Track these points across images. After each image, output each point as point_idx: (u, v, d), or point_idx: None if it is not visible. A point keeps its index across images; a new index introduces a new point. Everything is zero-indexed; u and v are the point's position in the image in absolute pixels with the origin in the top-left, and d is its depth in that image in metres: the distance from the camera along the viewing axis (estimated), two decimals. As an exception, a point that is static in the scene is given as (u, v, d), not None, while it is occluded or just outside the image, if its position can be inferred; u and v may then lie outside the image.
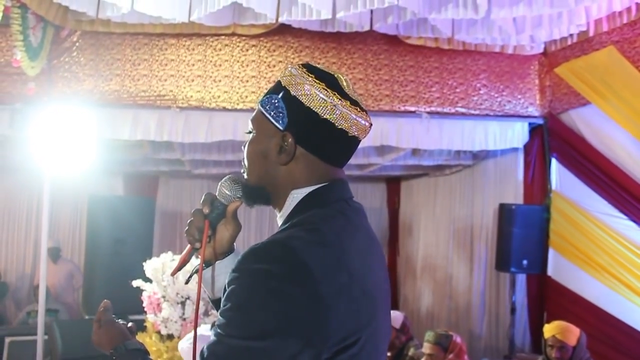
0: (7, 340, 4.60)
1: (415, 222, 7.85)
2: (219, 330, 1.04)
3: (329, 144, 1.19)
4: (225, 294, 1.06)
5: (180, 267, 1.31)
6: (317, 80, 1.18)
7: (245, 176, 1.26)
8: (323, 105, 1.16)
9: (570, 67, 4.87)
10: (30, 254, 7.13)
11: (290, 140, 1.17)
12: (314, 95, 1.16)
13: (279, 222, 1.22)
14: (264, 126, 1.21)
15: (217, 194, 1.29)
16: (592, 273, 4.66)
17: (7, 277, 6.93)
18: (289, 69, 1.21)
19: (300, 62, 1.24)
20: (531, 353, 5.10)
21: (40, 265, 4.11)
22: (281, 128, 1.18)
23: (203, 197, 1.29)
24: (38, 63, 4.37)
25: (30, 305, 6.18)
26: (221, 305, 1.07)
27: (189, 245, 1.28)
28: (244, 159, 1.27)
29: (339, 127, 1.17)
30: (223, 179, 1.29)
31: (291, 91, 1.17)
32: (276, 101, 1.19)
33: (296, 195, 1.19)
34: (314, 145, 1.19)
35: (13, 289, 6.92)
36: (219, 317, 1.06)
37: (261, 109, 1.21)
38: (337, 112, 1.17)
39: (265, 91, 1.25)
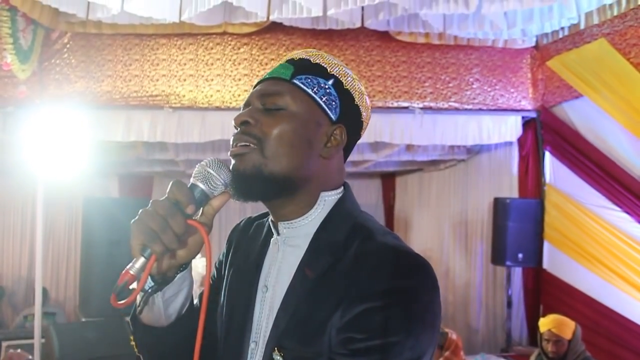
0: (4, 344, 4.59)
1: (411, 218, 7.86)
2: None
3: (354, 144, 1.12)
4: (369, 316, 0.90)
5: (137, 293, 0.95)
6: (358, 79, 1.11)
7: (261, 159, 0.99)
8: (366, 108, 1.11)
9: (562, 60, 4.88)
10: (26, 258, 7.11)
11: (344, 135, 1.06)
12: (364, 94, 1.09)
13: (306, 224, 1.05)
14: (309, 108, 1.03)
15: (197, 179, 0.98)
16: (587, 265, 4.67)
17: (3, 281, 6.91)
18: (327, 56, 1.08)
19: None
20: (528, 346, 5.12)
21: (36, 268, 4.10)
22: (333, 118, 1.05)
23: (173, 185, 0.96)
24: (29, 66, 4.35)
25: (27, 308, 6.16)
26: (363, 329, 0.90)
27: (141, 258, 0.91)
28: (265, 136, 1.00)
29: (362, 131, 1.12)
30: (206, 160, 1.00)
31: (344, 83, 1.06)
32: (328, 87, 1.04)
33: (328, 198, 1.06)
34: (348, 144, 1.10)
35: (9, 292, 6.90)
36: (368, 344, 0.89)
37: (305, 88, 1.03)
38: (369, 117, 1.12)
39: (288, 68, 1.06)
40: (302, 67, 1.05)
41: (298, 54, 1.09)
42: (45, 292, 5.96)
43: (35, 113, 4.01)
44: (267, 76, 1.08)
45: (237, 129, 1.05)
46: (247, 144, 1.01)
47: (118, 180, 7.44)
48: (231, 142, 1.04)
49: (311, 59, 1.07)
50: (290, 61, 1.08)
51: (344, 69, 1.08)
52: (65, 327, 4.64)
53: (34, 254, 6.58)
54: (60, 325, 4.90)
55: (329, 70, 1.06)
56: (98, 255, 4.72)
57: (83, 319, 4.85)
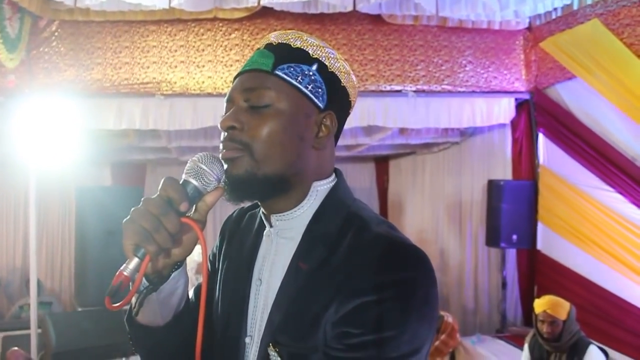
0: (0, 335, 4.59)
1: (405, 201, 7.87)
2: (380, 355, 0.87)
3: (344, 126, 1.08)
4: (365, 310, 0.88)
5: (132, 295, 0.92)
6: (342, 58, 1.05)
7: (252, 163, 0.97)
8: (353, 87, 1.06)
9: (555, 41, 4.86)
10: (20, 248, 7.08)
11: (334, 122, 1.03)
12: (349, 73, 1.04)
13: (299, 215, 1.03)
14: (296, 101, 0.99)
15: (189, 175, 0.95)
16: (581, 246, 4.70)
17: (-3, 272, 6.90)
18: (307, 38, 1.02)
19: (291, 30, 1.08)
20: (523, 326, 5.17)
21: (30, 258, 4.09)
22: (321, 106, 1.01)
23: (165, 183, 0.92)
24: (17, 55, 4.29)
25: (23, 299, 6.15)
26: (359, 323, 0.88)
27: (135, 259, 0.88)
28: (254, 140, 0.97)
29: (350, 111, 1.09)
30: (198, 156, 0.96)
31: (328, 66, 1.01)
32: (312, 74, 0.99)
33: (320, 188, 1.03)
34: (339, 129, 1.06)
35: (4, 283, 6.88)
36: (364, 338, 0.87)
37: (290, 79, 0.98)
38: (356, 95, 1.08)
39: (268, 57, 1.00)
40: (283, 54, 1.00)
41: (277, 37, 1.03)
42: (38, 282, 5.94)
43: (25, 103, 3.97)
44: (247, 68, 1.02)
45: (224, 132, 1.01)
46: (236, 149, 0.97)
47: (110, 169, 7.40)
48: (220, 147, 1.00)
49: (291, 43, 1.01)
50: (270, 47, 1.02)
51: (326, 49, 1.02)
52: (61, 317, 4.63)
53: (28, 244, 6.56)
54: (56, 315, 4.89)
55: (311, 53, 1.01)
56: (92, 244, 4.71)
57: (79, 309, 4.85)
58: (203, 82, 4.78)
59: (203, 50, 4.80)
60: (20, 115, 3.77)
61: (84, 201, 4.96)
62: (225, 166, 0.98)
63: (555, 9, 4.81)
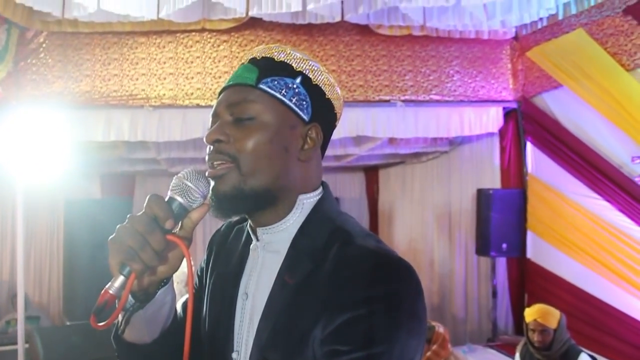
0: (-13, 350, 4.53)
1: (395, 210, 7.87)
2: None
3: (330, 138, 1.09)
4: (352, 326, 0.87)
5: (118, 314, 0.92)
6: (326, 70, 1.06)
7: (239, 177, 0.97)
8: (338, 99, 1.06)
9: (541, 50, 4.92)
10: (8, 262, 6.99)
11: (319, 134, 1.03)
12: (334, 85, 1.05)
13: (285, 229, 1.02)
14: (281, 113, 0.99)
15: (175, 192, 0.95)
16: (570, 254, 4.72)
17: (-17, 286, 6.80)
18: (291, 51, 1.03)
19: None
20: (514, 335, 5.17)
21: (18, 272, 4.04)
22: (306, 119, 1.01)
23: (150, 200, 0.92)
24: (4, 66, 4.27)
25: (10, 313, 6.07)
26: (347, 340, 0.87)
27: (120, 277, 0.88)
28: (240, 153, 0.97)
29: (336, 123, 1.09)
30: (183, 172, 0.97)
31: (312, 78, 1.02)
32: (296, 86, 1.00)
33: (306, 201, 1.03)
34: (325, 141, 1.06)
35: (-9, 297, 6.79)
36: (353, 356, 0.86)
37: (273, 92, 0.99)
38: (341, 107, 1.09)
39: (252, 71, 1.01)
40: (267, 68, 1.01)
41: (260, 51, 1.04)
42: (25, 297, 5.88)
43: (12, 114, 3.94)
44: (232, 82, 1.03)
45: (210, 147, 1.01)
46: (223, 162, 0.98)
47: (100, 181, 7.34)
48: (207, 161, 1.01)
49: (275, 57, 1.02)
50: (253, 62, 1.03)
51: (310, 62, 1.03)
52: (49, 331, 4.59)
53: (15, 257, 6.48)
54: (44, 330, 4.84)
55: (295, 67, 1.01)
56: (81, 258, 4.68)
57: (67, 323, 4.81)
58: (192, 94, 4.78)
59: (192, 62, 4.80)
60: (7, 127, 3.74)
61: (73, 214, 4.94)
62: (212, 183, 0.98)
63: (541, 19, 4.86)
